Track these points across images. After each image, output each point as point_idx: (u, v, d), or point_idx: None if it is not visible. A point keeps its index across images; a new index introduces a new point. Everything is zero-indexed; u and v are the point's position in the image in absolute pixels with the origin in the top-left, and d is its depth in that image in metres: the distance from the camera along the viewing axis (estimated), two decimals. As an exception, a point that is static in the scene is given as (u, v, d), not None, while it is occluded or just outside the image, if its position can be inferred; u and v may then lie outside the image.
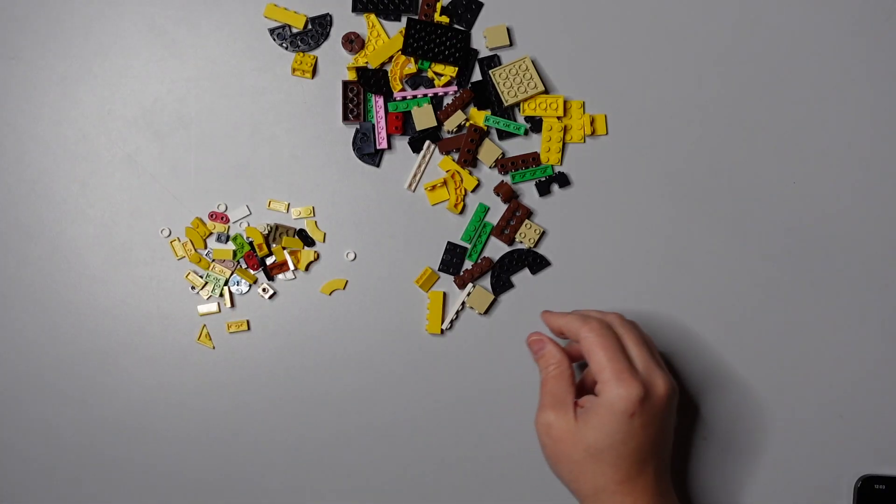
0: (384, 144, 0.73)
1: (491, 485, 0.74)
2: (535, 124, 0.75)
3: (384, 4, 0.74)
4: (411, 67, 0.74)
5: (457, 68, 0.74)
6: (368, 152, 0.74)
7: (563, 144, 0.75)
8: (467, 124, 0.74)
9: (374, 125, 0.74)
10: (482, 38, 0.75)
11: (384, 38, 0.74)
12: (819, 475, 0.75)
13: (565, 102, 0.74)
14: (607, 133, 0.75)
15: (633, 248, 0.75)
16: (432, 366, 0.74)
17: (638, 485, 0.64)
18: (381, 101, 0.73)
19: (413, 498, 0.74)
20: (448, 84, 0.74)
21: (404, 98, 0.73)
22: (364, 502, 0.74)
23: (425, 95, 0.73)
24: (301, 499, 0.74)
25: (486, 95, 0.74)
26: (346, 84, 0.73)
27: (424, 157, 0.74)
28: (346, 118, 0.73)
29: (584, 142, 0.75)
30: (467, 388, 0.74)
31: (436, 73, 0.74)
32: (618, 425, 0.63)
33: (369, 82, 0.73)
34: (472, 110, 0.74)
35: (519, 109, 0.75)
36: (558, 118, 0.74)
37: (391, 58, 0.74)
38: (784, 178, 0.76)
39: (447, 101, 0.74)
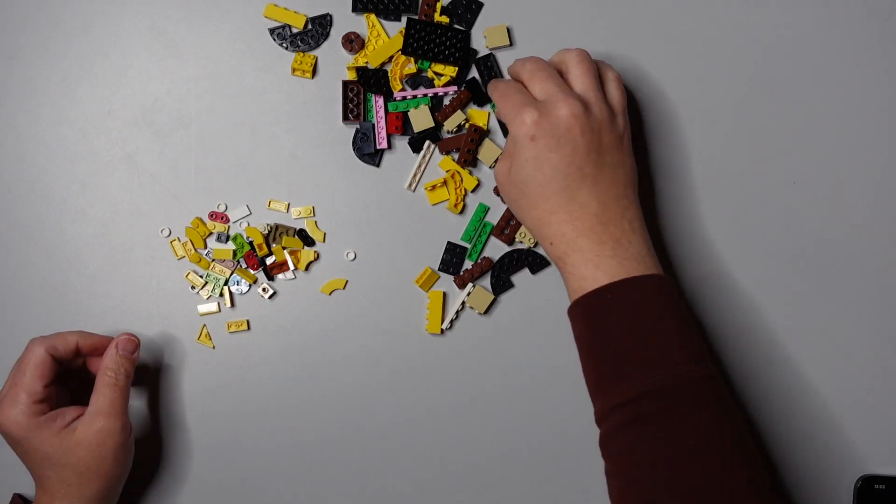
0: (384, 144, 0.73)
1: (491, 484, 0.74)
2: None
3: (384, 4, 0.74)
4: (411, 67, 0.74)
5: (457, 68, 0.73)
6: (368, 152, 0.74)
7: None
8: (467, 124, 0.74)
9: (374, 125, 0.74)
10: (482, 38, 0.75)
11: (384, 38, 0.74)
12: (819, 475, 0.75)
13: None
14: None
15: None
16: (432, 366, 0.74)
17: (572, 211, 0.64)
18: (381, 100, 0.73)
19: (413, 497, 0.74)
20: (448, 84, 0.74)
21: (404, 98, 0.73)
22: (364, 502, 0.74)
23: (425, 95, 0.73)
24: (301, 498, 0.74)
25: (481, 92, 0.74)
26: (346, 84, 0.73)
27: (424, 156, 0.74)
28: (346, 118, 0.73)
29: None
30: (467, 388, 0.74)
31: (436, 73, 0.74)
32: (525, 153, 0.64)
33: (369, 82, 0.73)
34: (472, 110, 0.74)
35: None
36: None
37: (391, 58, 0.74)
38: (784, 178, 0.76)
39: (446, 101, 0.74)
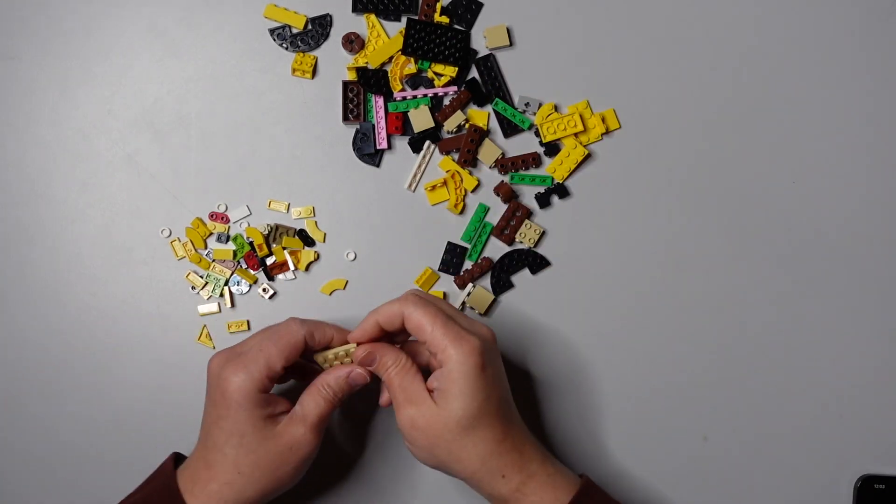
0: (384, 144, 0.74)
1: (491, 485, 0.74)
2: (550, 148, 0.74)
3: (384, 4, 0.74)
4: (411, 68, 0.74)
5: (457, 68, 0.73)
6: (368, 152, 0.74)
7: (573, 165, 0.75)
8: (467, 125, 0.74)
9: (374, 125, 0.74)
10: (482, 38, 0.75)
11: (384, 38, 0.74)
12: (819, 475, 0.75)
13: (581, 117, 0.74)
14: (620, 126, 0.75)
15: (632, 248, 0.75)
16: (432, 366, 0.74)
17: (515, 436, 0.63)
18: (381, 101, 0.73)
19: (413, 497, 0.74)
20: (448, 84, 0.74)
21: (404, 98, 0.73)
22: (363, 502, 0.74)
23: (425, 95, 0.73)
24: (300, 499, 0.74)
25: (480, 92, 0.74)
26: (346, 84, 0.73)
27: (424, 157, 0.74)
28: (346, 118, 0.73)
29: (601, 139, 0.75)
30: (467, 388, 0.74)
31: (436, 74, 0.74)
32: (476, 384, 0.61)
33: (369, 82, 0.73)
34: (472, 110, 0.74)
35: (540, 137, 0.74)
36: (575, 135, 0.74)
37: (391, 58, 0.74)
38: (784, 178, 0.76)
39: (446, 101, 0.74)
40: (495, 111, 0.74)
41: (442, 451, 0.62)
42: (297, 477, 0.65)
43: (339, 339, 0.66)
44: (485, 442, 0.62)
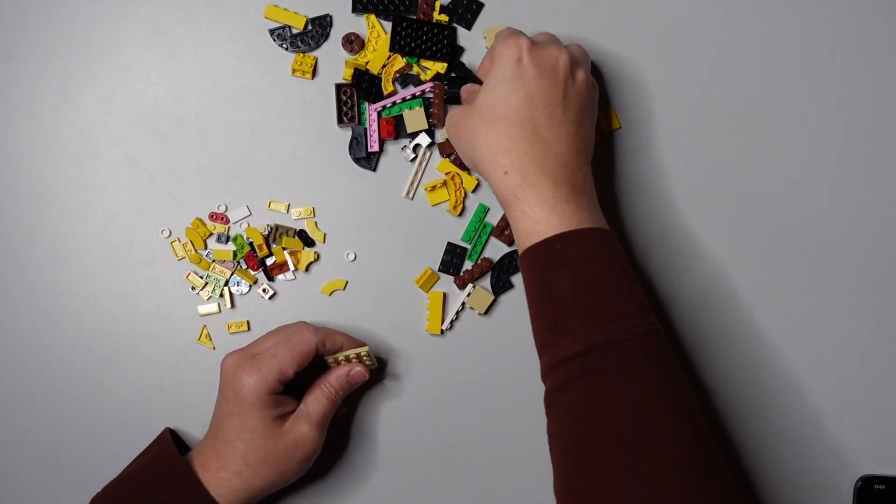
0: (375, 147, 0.73)
1: (490, 484, 0.74)
2: None
3: (384, 5, 0.74)
4: (405, 67, 0.73)
5: (445, 64, 0.73)
6: (361, 156, 0.74)
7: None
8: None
9: (365, 129, 0.73)
10: (482, 39, 0.75)
11: (384, 38, 0.74)
12: (819, 475, 0.75)
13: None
14: (620, 127, 0.75)
15: (632, 249, 0.75)
16: (432, 366, 0.74)
17: (535, 143, 0.64)
18: (372, 105, 0.73)
19: (412, 497, 0.74)
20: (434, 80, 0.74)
21: (385, 106, 0.73)
22: (363, 502, 0.74)
23: (412, 97, 0.73)
24: (300, 499, 0.74)
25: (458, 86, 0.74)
26: (338, 87, 0.73)
27: (421, 164, 0.74)
28: (340, 121, 0.73)
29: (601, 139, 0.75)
30: (467, 389, 0.74)
31: (422, 68, 0.74)
32: (504, 72, 0.65)
33: (361, 87, 0.73)
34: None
35: None
36: None
37: (389, 58, 0.74)
38: (784, 178, 0.76)
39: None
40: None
41: (464, 138, 0.67)
42: (301, 471, 0.69)
43: (349, 346, 0.69)
44: (497, 134, 0.65)
